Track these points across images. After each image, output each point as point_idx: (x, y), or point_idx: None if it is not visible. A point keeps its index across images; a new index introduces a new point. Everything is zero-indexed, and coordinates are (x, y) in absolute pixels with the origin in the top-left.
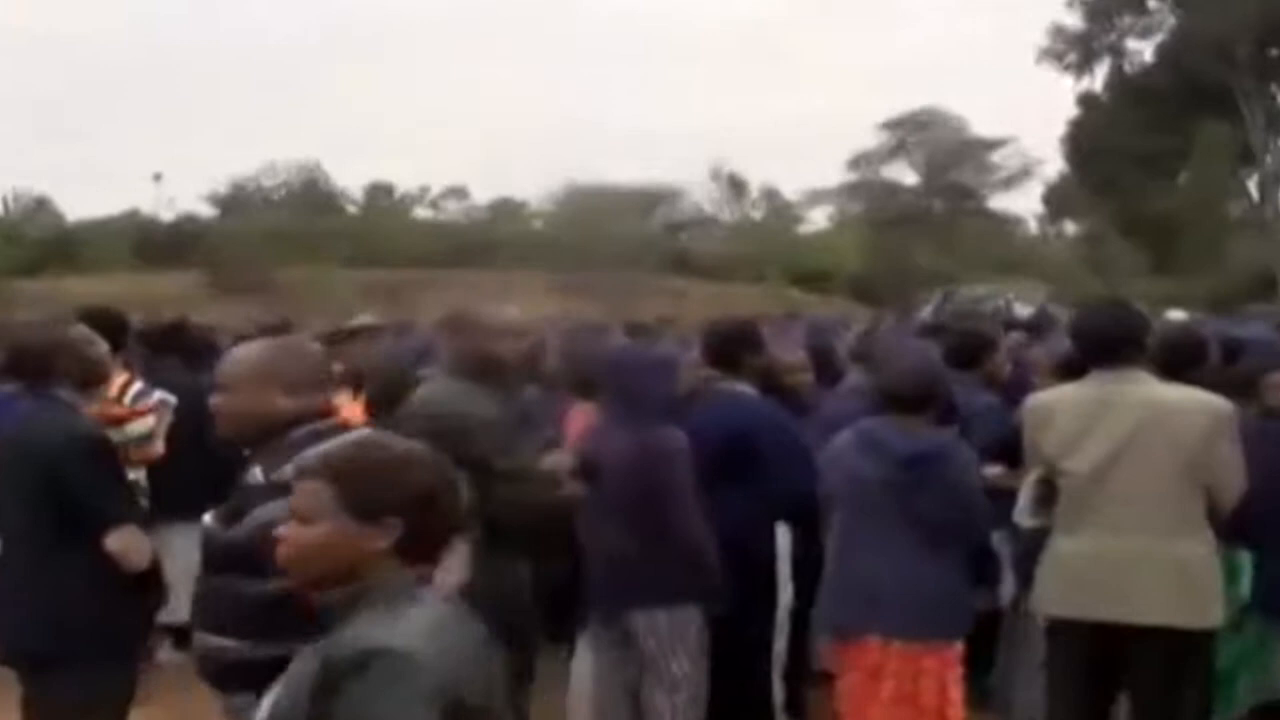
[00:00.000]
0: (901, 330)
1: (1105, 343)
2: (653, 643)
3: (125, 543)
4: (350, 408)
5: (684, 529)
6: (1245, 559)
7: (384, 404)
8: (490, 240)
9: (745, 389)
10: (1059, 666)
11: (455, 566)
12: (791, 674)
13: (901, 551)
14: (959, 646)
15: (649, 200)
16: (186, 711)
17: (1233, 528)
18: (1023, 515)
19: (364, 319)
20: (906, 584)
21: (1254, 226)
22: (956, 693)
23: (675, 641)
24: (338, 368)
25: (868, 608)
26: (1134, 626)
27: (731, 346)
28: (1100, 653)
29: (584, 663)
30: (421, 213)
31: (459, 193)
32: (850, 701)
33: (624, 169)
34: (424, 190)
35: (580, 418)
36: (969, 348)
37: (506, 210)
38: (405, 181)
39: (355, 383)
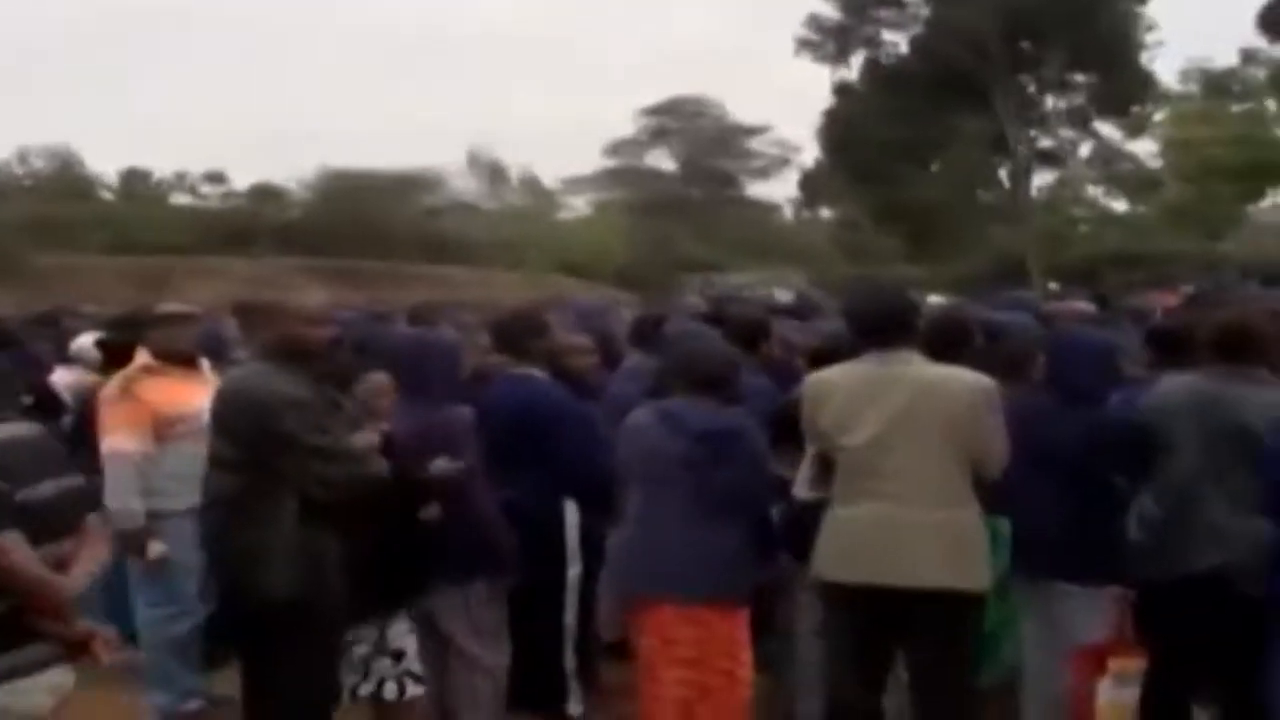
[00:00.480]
0: (677, 315)
1: (878, 325)
2: (450, 621)
3: None
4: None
5: (471, 506)
6: (1005, 526)
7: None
8: (250, 226)
9: (534, 372)
10: (838, 630)
11: None
12: (582, 645)
13: (693, 521)
14: (746, 611)
15: (407, 186)
16: None
17: (994, 498)
18: (802, 488)
19: (172, 305)
20: (698, 552)
21: (1006, 214)
22: (746, 655)
23: (471, 618)
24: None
25: (662, 575)
26: (910, 590)
27: (518, 331)
28: (878, 616)
29: None
30: (180, 198)
31: (217, 178)
32: (647, 665)
33: (382, 156)
34: (181, 176)
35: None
36: (747, 331)
37: (266, 196)
38: (162, 167)
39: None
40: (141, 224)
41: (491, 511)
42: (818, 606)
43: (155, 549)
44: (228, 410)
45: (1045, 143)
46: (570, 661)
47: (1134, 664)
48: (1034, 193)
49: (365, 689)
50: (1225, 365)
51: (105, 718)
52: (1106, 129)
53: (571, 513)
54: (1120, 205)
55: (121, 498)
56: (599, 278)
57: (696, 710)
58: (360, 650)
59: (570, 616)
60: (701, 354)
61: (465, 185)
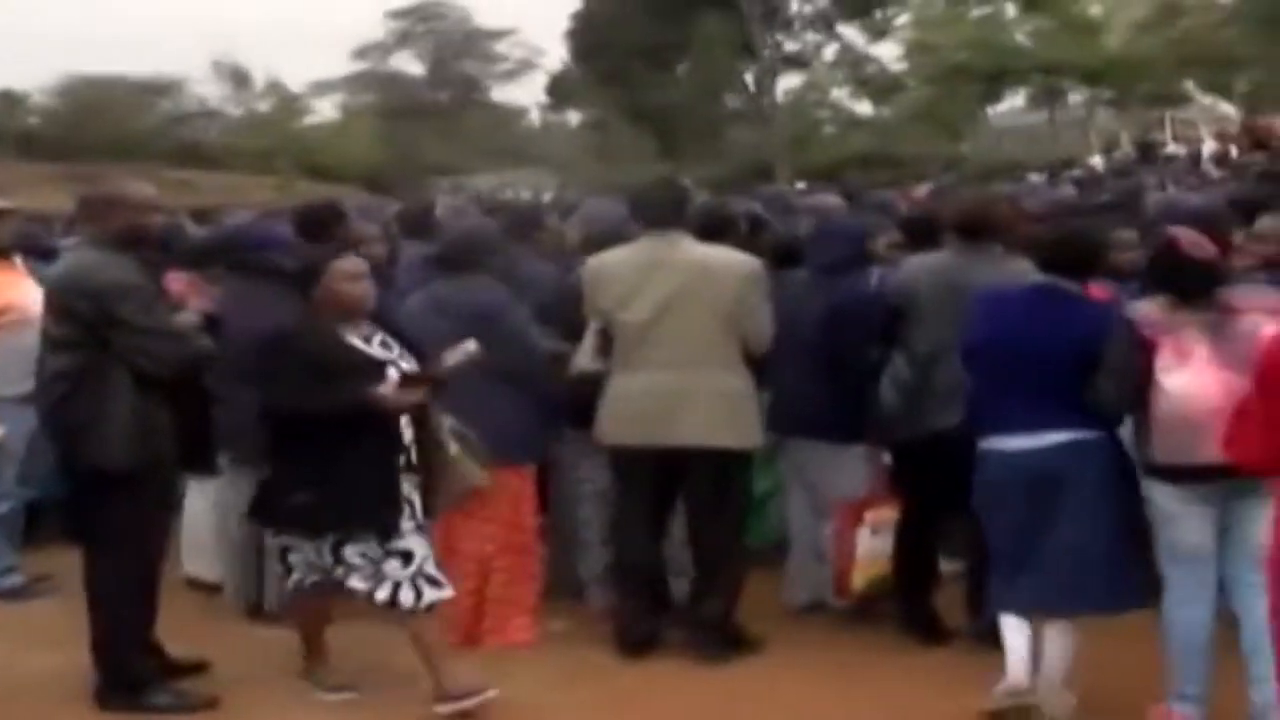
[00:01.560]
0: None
1: (655, 209)
2: None
3: None
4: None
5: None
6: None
7: None
8: None
9: None
10: (623, 490)
11: None
12: None
13: (470, 393)
14: (531, 469)
15: (151, 91)
16: None
17: (759, 369)
18: (584, 359)
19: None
20: (479, 420)
21: (752, 117)
22: (529, 507)
23: None
24: None
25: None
26: (685, 449)
27: (320, 220)
28: (658, 475)
29: (198, 500)
30: None
31: None
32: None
33: (123, 62)
34: None
35: (176, 282)
36: (521, 221)
37: (7, 102)
38: None
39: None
40: None
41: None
42: (596, 471)
43: None
44: (67, 294)
45: (791, 46)
46: None
47: (888, 515)
48: (780, 96)
49: (381, 594)
50: (966, 244)
51: None
52: (850, 32)
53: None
54: (865, 108)
55: None
56: (348, 183)
57: (495, 562)
58: (362, 551)
59: None
60: (467, 234)
61: (210, 91)
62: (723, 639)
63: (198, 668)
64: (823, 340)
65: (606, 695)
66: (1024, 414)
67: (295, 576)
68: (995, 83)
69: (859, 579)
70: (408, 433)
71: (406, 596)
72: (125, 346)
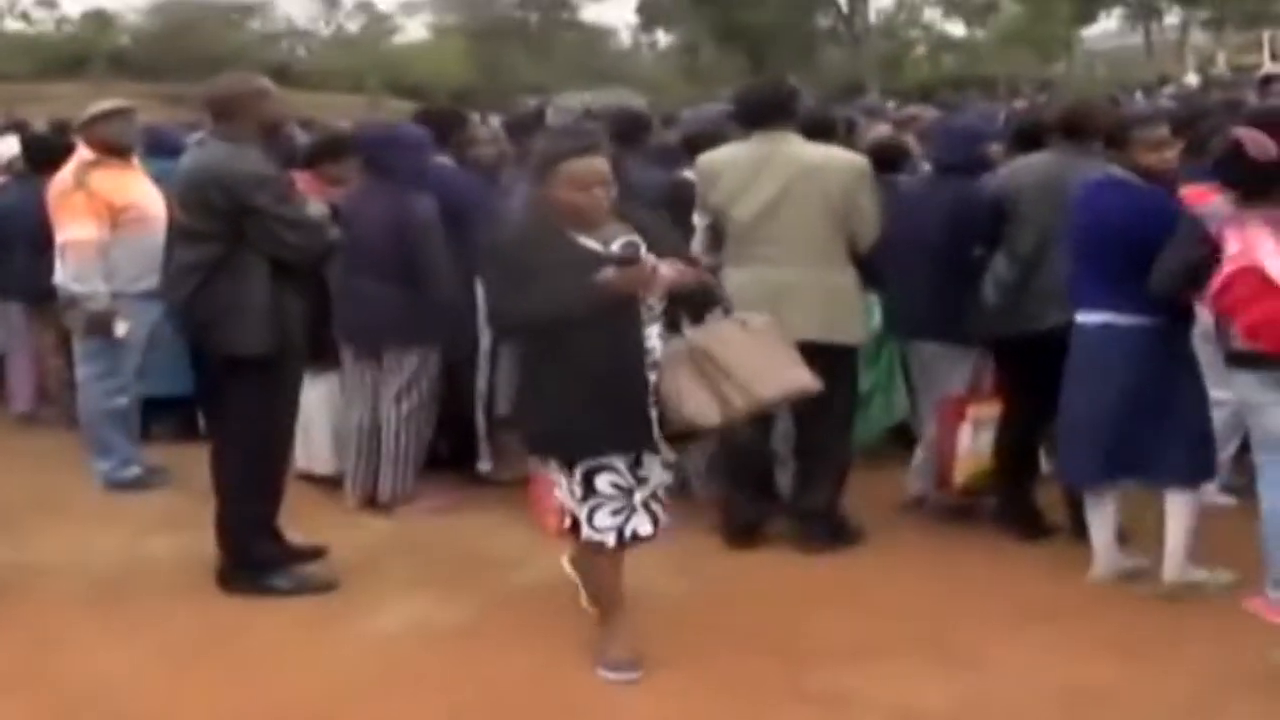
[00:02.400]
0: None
1: (763, 108)
2: (397, 379)
3: None
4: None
5: (436, 285)
6: (874, 299)
7: None
8: (83, 53)
9: (447, 161)
10: None
11: None
12: (489, 407)
13: None
14: None
15: (239, 11)
16: None
17: (866, 269)
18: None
19: (111, 101)
20: None
21: (843, 37)
22: None
23: (416, 381)
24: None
25: None
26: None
27: (443, 122)
28: None
29: (316, 390)
30: (11, 24)
31: (48, 4)
32: None
33: None
34: (12, 2)
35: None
36: (626, 125)
37: (98, 22)
38: None
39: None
40: None
41: (452, 290)
42: None
43: (121, 327)
44: (201, 186)
45: None
46: (481, 424)
47: (990, 412)
48: (872, 17)
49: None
50: (1068, 145)
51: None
52: None
53: (480, 289)
54: (957, 30)
55: (88, 282)
56: (437, 102)
57: None
58: (615, 481)
59: (482, 382)
60: (569, 133)
61: (299, 10)
62: (826, 529)
63: (316, 553)
64: (941, 241)
65: (710, 581)
66: (1087, 293)
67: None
68: (1089, 3)
69: (960, 474)
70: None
71: (644, 525)
72: (261, 235)
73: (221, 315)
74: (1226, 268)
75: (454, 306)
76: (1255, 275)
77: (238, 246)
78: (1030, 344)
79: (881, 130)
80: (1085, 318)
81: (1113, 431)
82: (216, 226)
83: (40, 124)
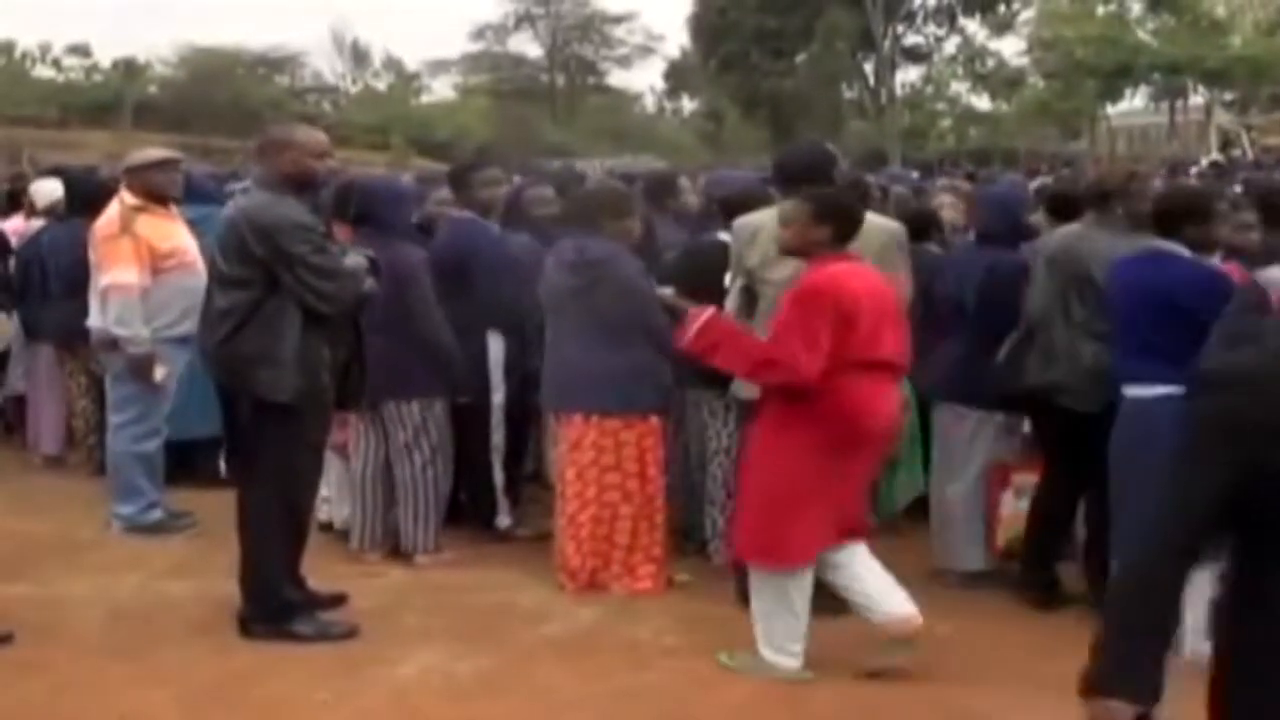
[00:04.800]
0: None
1: (801, 172)
2: (402, 431)
3: None
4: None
5: (428, 332)
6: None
7: None
8: (113, 100)
9: (470, 215)
10: None
11: None
12: (509, 462)
13: (588, 343)
14: (654, 421)
15: (270, 64)
16: None
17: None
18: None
19: (159, 151)
20: (595, 370)
21: (869, 109)
22: (655, 458)
23: (422, 431)
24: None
25: (570, 390)
26: None
27: (460, 175)
28: None
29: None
30: (42, 71)
31: (81, 51)
32: (560, 472)
33: (246, 32)
34: (45, 48)
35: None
36: (658, 186)
37: (129, 70)
38: (25, 39)
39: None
40: (2, 96)
41: (445, 336)
42: (724, 429)
43: (160, 372)
44: (241, 233)
45: (911, 39)
46: (499, 479)
47: (1031, 478)
48: (898, 89)
49: None
50: (1096, 215)
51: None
52: (972, 26)
53: (495, 343)
54: (983, 103)
55: (131, 326)
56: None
57: (620, 510)
58: None
59: (498, 438)
60: (592, 192)
61: (328, 65)
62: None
63: (337, 600)
64: (976, 306)
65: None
66: (1137, 367)
67: None
68: (1116, 80)
69: (1001, 537)
70: None
71: None
72: (295, 283)
73: (253, 361)
74: None
75: (449, 355)
76: None
77: (272, 294)
78: (1045, 409)
79: (945, 200)
80: (1140, 391)
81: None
82: (253, 273)
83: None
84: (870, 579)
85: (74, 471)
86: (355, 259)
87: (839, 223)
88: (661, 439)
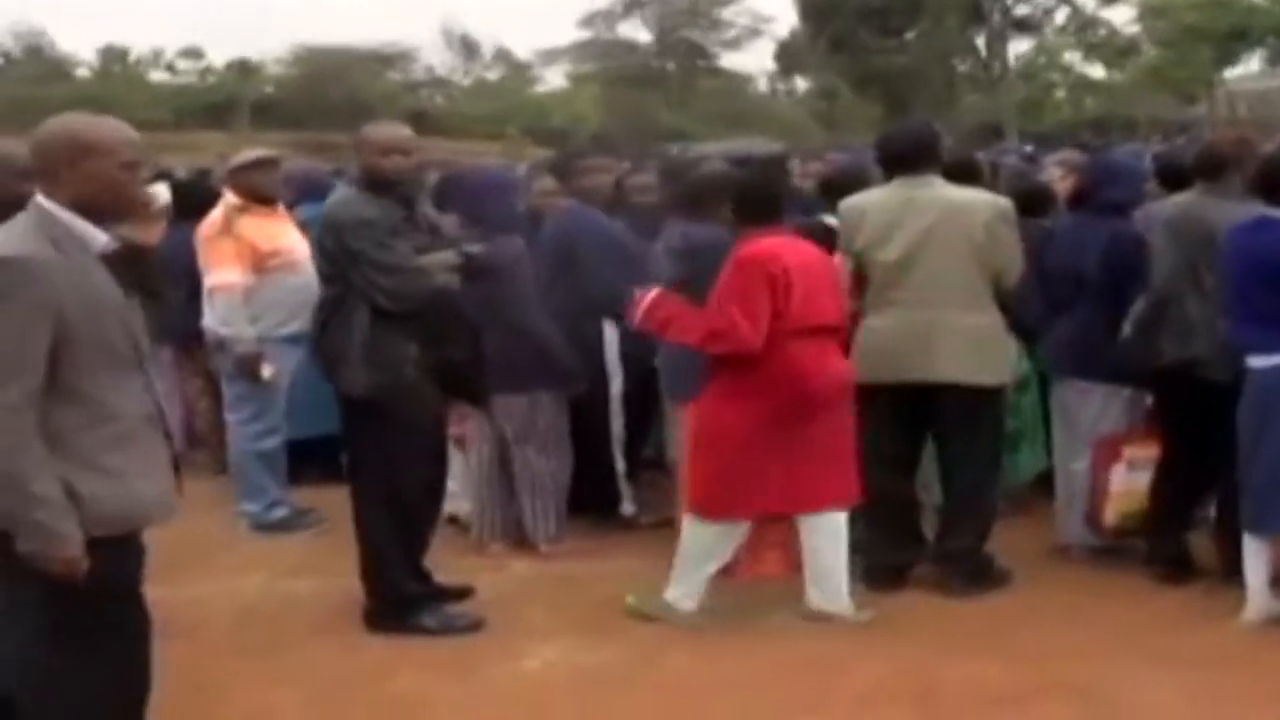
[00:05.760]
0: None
1: (907, 152)
2: (509, 426)
3: None
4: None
5: (525, 324)
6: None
7: None
8: (227, 102)
9: (574, 204)
10: (875, 428)
11: None
12: (630, 450)
13: None
14: None
15: (382, 61)
16: None
17: (1011, 310)
18: None
19: (258, 150)
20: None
21: (982, 82)
22: None
23: (530, 424)
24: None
25: (682, 376)
26: (936, 384)
27: (563, 164)
28: (910, 410)
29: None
30: (157, 76)
31: (194, 54)
32: (681, 451)
33: (356, 30)
34: (158, 53)
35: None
36: (769, 166)
37: (242, 72)
38: (139, 44)
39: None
40: (119, 103)
41: (546, 327)
42: None
43: (268, 370)
44: (323, 231)
45: (1021, 10)
46: (621, 467)
47: (1148, 452)
48: (1010, 61)
49: None
50: (1206, 185)
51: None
52: None
53: (610, 331)
54: (1097, 72)
55: (235, 325)
56: (578, 147)
57: None
58: None
59: (618, 426)
60: (698, 178)
61: (440, 59)
62: (970, 573)
63: (463, 593)
64: (1097, 278)
65: (854, 624)
66: (1257, 336)
67: None
68: (1230, 44)
69: (1111, 513)
70: None
71: None
72: (361, 280)
73: (333, 357)
74: None
75: (549, 347)
76: None
77: (349, 289)
78: (1178, 383)
79: (1055, 174)
80: (1259, 361)
81: (1266, 477)
82: (333, 270)
83: (182, 172)
84: (821, 560)
85: (199, 472)
86: (439, 256)
87: (743, 202)
88: None
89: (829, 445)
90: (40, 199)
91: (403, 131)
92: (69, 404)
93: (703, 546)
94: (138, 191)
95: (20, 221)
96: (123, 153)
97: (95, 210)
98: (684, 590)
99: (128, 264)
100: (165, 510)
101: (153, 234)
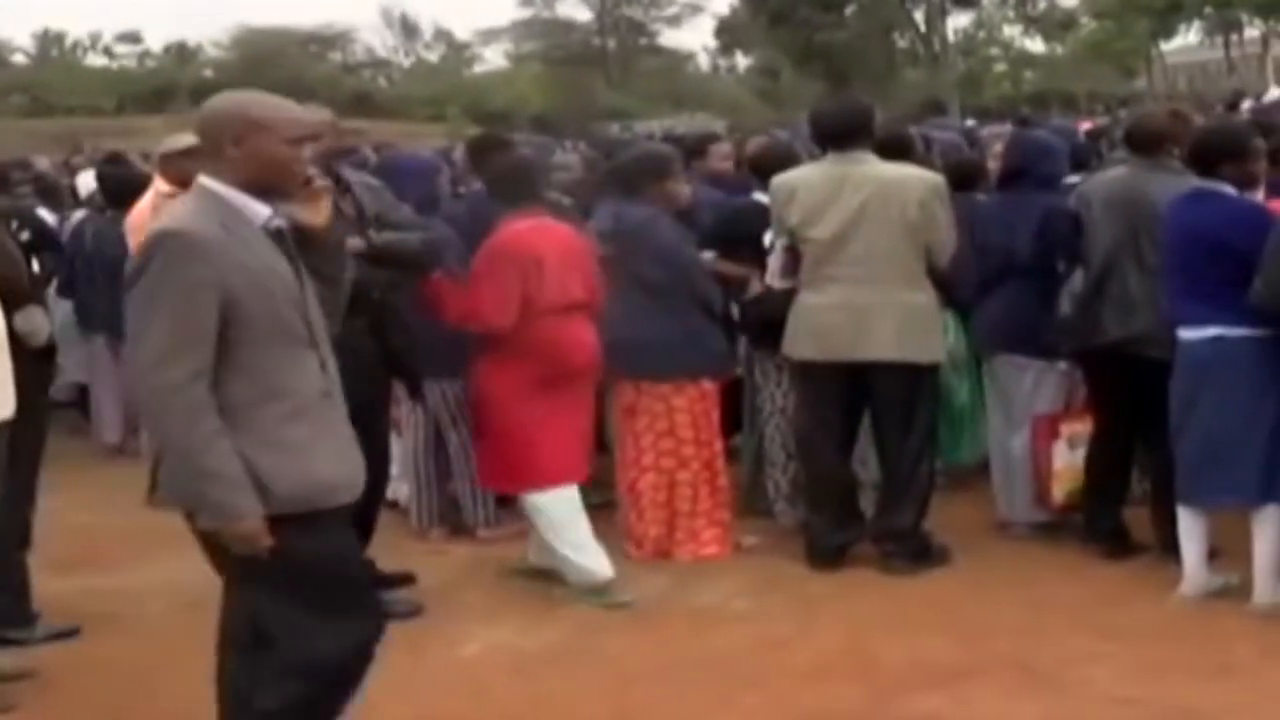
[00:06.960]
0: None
1: (839, 128)
2: (442, 411)
3: None
4: None
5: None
6: (949, 318)
7: None
8: (166, 86)
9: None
10: (811, 405)
11: None
12: None
13: (632, 308)
14: (706, 385)
15: (322, 42)
16: None
17: (944, 287)
18: (773, 278)
19: (188, 137)
20: (642, 336)
21: (922, 57)
22: (710, 421)
23: (463, 408)
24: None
25: (618, 357)
26: (871, 363)
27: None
28: (846, 389)
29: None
30: (95, 60)
31: (132, 38)
32: (618, 435)
33: (295, 13)
34: (95, 37)
35: None
36: (693, 144)
37: (180, 55)
38: (75, 28)
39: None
40: (57, 87)
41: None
42: (780, 390)
43: None
44: None
45: None
46: None
47: (1083, 427)
48: (950, 35)
49: None
50: (1140, 159)
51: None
52: None
53: None
54: (1036, 46)
55: None
56: (518, 129)
57: (678, 476)
58: None
59: None
60: (629, 157)
61: (380, 39)
62: (910, 551)
63: (403, 580)
64: (1026, 254)
65: (795, 603)
66: (1190, 308)
67: None
68: (1168, 17)
69: (1059, 490)
70: None
71: None
72: None
73: None
74: None
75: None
76: None
77: None
78: (1116, 359)
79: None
80: (1192, 334)
81: (1269, 447)
82: None
83: (135, 156)
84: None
85: (136, 459)
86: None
87: (498, 184)
88: (717, 402)
89: (571, 421)
90: (204, 180)
91: (321, 114)
92: (243, 380)
93: (550, 515)
94: (302, 168)
95: (187, 201)
96: (288, 129)
97: (260, 187)
98: (574, 543)
99: (300, 246)
100: (350, 488)
101: (320, 213)
